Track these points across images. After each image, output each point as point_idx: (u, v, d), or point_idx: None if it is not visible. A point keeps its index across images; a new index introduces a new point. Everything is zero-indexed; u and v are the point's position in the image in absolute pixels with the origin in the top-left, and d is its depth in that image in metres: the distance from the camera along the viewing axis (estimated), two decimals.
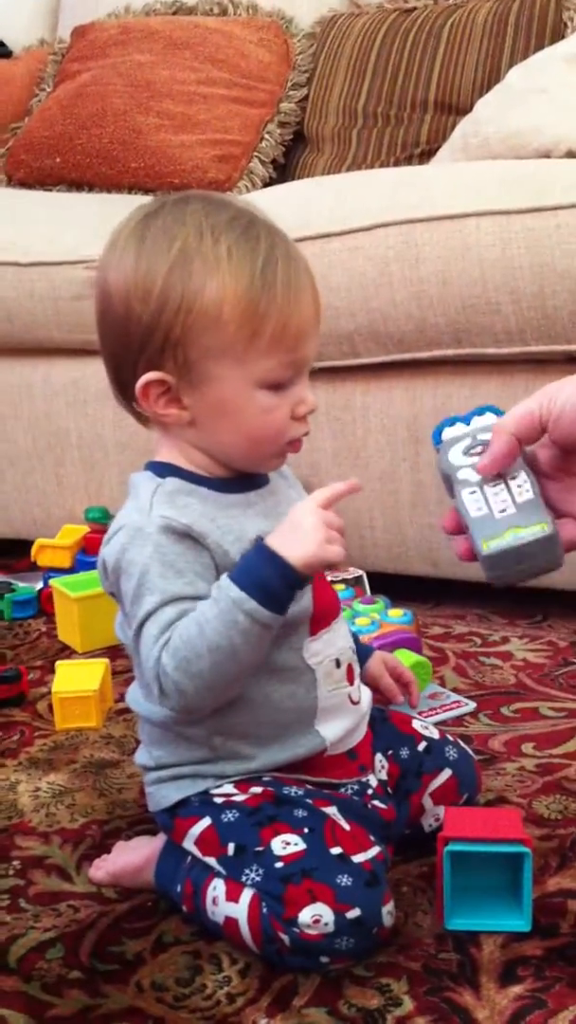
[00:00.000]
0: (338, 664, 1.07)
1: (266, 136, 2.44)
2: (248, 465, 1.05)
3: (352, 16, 2.51)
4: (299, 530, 0.96)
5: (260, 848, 0.99)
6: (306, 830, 0.99)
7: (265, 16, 2.61)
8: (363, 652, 1.20)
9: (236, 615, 0.94)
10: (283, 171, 2.48)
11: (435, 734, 1.17)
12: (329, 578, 1.36)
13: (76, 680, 1.49)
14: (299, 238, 1.61)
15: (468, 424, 1.03)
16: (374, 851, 0.99)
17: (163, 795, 1.06)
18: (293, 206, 1.76)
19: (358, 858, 0.97)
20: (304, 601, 1.04)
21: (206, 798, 1.04)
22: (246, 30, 2.56)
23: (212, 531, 0.99)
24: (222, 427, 1.01)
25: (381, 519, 1.82)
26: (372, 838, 1.01)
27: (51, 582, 1.82)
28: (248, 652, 0.96)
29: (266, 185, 2.36)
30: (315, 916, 0.94)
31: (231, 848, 1.00)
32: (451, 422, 1.04)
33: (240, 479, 1.05)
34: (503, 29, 2.26)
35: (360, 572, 1.76)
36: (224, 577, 0.97)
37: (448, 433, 1.03)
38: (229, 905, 0.99)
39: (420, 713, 1.38)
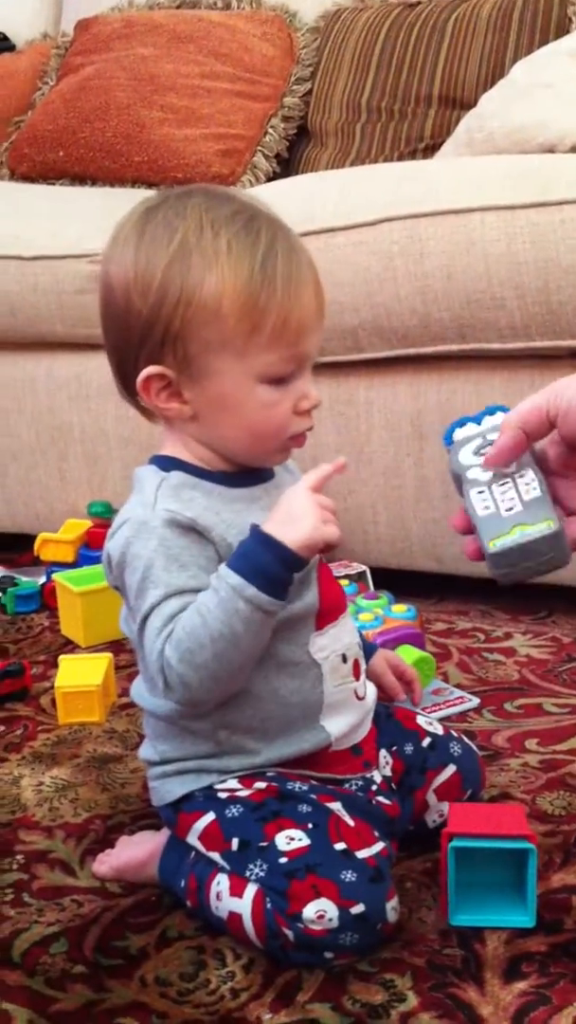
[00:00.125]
0: (344, 659, 1.07)
1: (270, 130, 2.44)
2: (251, 460, 1.05)
3: (356, 10, 2.51)
4: (293, 513, 0.97)
5: (264, 843, 0.98)
6: (310, 825, 0.99)
7: (269, 10, 2.61)
8: (366, 649, 1.20)
9: (237, 602, 0.94)
10: (287, 165, 2.47)
11: (439, 730, 1.17)
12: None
13: (79, 675, 1.49)
14: (303, 232, 1.60)
15: (479, 424, 1.03)
16: (378, 847, 0.99)
17: (167, 790, 1.06)
18: (297, 200, 1.76)
19: (362, 854, 0.97)
20: (310, 596, 1.04)
21: (210, 793, 1.04)
22: (250, 24, 2.56)
23: (216, 525, 0.99)
24: (223, 421, 1.01)
25: (385, 514, 1.82)
26: (376, 834, 1.01)
27: (54, 576, 1.82)
28: (250, 640, 0.96)
29: (270, 179, 2.36)
30: (319, 912, 0.94)
31: (235, 843, 1.00)
32: (462, 423, 1.04)
33: (245, 473, 1.05)
34: (507, 24, 2.26)
35: (364, 568, 1.77)
36: (223, 566, 0.97)
37: (459, 434, 1.03)
38: (233, 900, 0.99)
39: (423, 709, 1.37)
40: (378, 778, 1.10)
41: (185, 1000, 0.93)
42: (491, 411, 1.03)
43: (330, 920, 0.94)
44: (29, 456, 2.12)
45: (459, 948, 0.98)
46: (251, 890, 0.98)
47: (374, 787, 1.09)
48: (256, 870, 0.98)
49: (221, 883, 1.00)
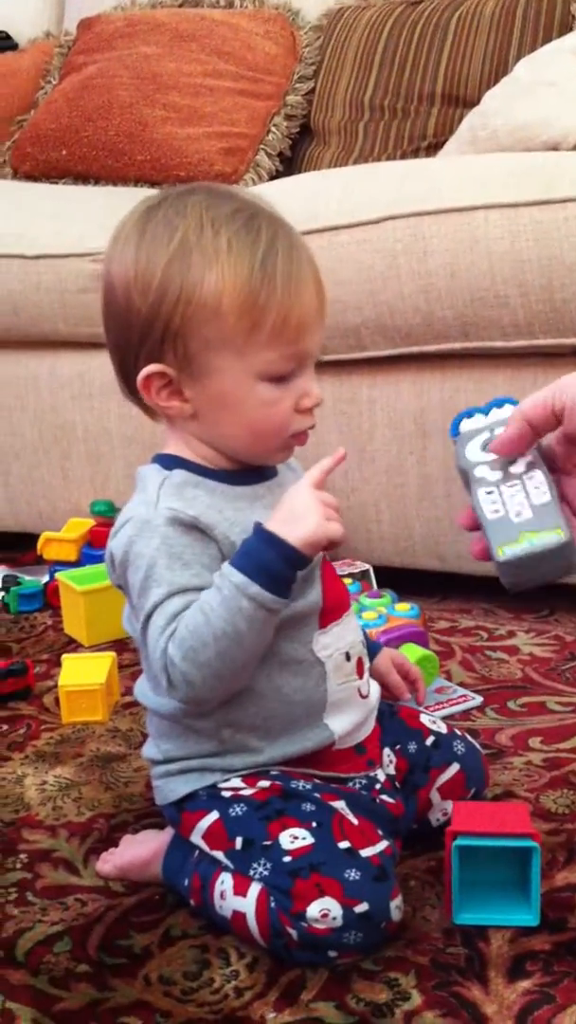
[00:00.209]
0: (348, 657, 1.07)
1: (272, 129, 2.43)
2: (252, 458, 1.05)
3: (359, 8, 2.51)
4: (296, 511, 0.97)
5: (268, 842, 0.98)
6: (314, 824, 0.99)
7: (271, 8, 2.61)
8: (370, 649, 1.20)
9: (240, 601, 0.94)
10: (289, 164, 2.47)
11: (443, 728, 1.17)
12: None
13: (82, 673, 1.49)
14: (306, 231, 1.60)
15: (487, 415, 1.02)
16: (382, 845, 0.99)
17: (171, 789, 1.06)
18: (300, 199, 1.75)
19: (366, 852, 0.97)
20: (313, 594, 1.04)
21: (214, 792, 1.04)
22: (252, 22, 2.56)
23: (219, 523, 0.99)
24: (224, 420, 1.01)
25: (388, 513, 1.82)
26: (380, 832, 1.01)
27: (57, 575, 1.82)
28: (254, 638, 0.96)
29: (272, 178, 2.36)
30: (323, 910, 0.93)
31: (239, 842, 1.00)
32: (469, 414, 1.03)
33: (248, 471, 1.05)
34: (511, 22, 2.26)
35: (367, 566, 1.76)
36: (226, 564, 0.97)
37: (466, 425, 1.02)
38: (237, 899, 0.99)
39: (427, 707, 1.37)
40: (382, 776, 1.10)
41: (189, 999, 0.93)
42: (498, 403, 1.02)
43: (334, 919, 0.93)
44: (32, 455, 2.12)
45: (463, 947, 0.98)
46: (255, 889, 0.98)
47: (378, 786, 1.09)
48: (260, 869, 0.98)
49: (225, 882, 1.00)
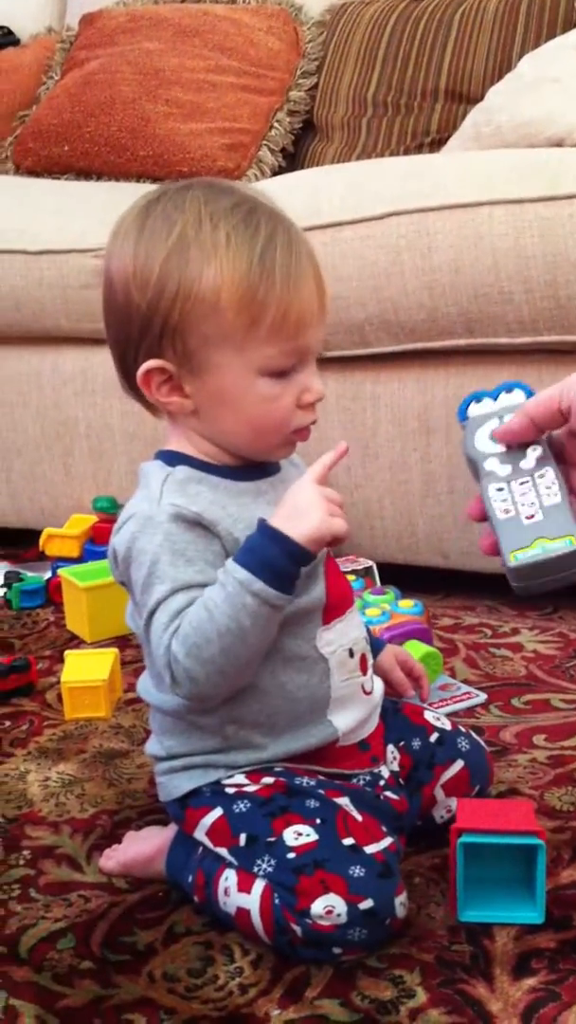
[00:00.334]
0: (351, 654, 1.07)
1: (275, 124, 2.43)
2: (254, 454, 1.04)
3: (362, 4, 2.50)
4: (299, 507, 0.96)
5: (272, 839, 0.98)
6: (318, 821, 0.98)
7: (275, 4, 2.60)
8: (374, 645, 1.20)
9: (244, 597, 0.94)
10: (292, 160, 2.47)
11: (447, 725, 1.17)
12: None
13: (85, 670, 1.48)
14: (310, 227, 1.61)
15: (495, 400, 1.02)
16: (386, 842, 0.99)
17: (174, 785, 1.06)
18: (303, 195, 1.75)
19: (371, 849, 0.97)
20: (317, 591, 1.04)
21: (218, 788, 1.04)
22: (255, 18, 2.55)
23: (223, 519, 0.99)
24: (224, 416, 1.01)
25: (391, 510, 1.82)
26: (384, 829, 1.01)
27: (59, 572, 1.81)
28: (257, 634, 0.96)
29: (275, 174, 2.35)
30: (328, 907, 0.93)
31: (243, 839, 1.00)
32: (477, 398, 1.03)
33: (250, 467, 1.05)
34: (514, 18, 2.25)
35: (370, 563, 1.76)
36: (229, 560, 0.96)
37: (474, 410, 1.02)
38: (241, 896, 0.98)
39: (431, 704, 1.37)
40: (386, 773, 1.10)
41: (193, 996, 0.93)
42: (507, 387, 1.02)
43: (338, 916, 0.93)
44: (34, 451, 2.12)
45: (468, 944, 0.97)
46: (259, 886, 0.98)
47: (382, 782, 1.09)
48: (264, 865, 0.98)
49: (229, 879, 1.00)
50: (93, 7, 2.75)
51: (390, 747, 1.12)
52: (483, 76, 2.25)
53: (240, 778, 1.04)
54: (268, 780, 1.03)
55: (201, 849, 1.04)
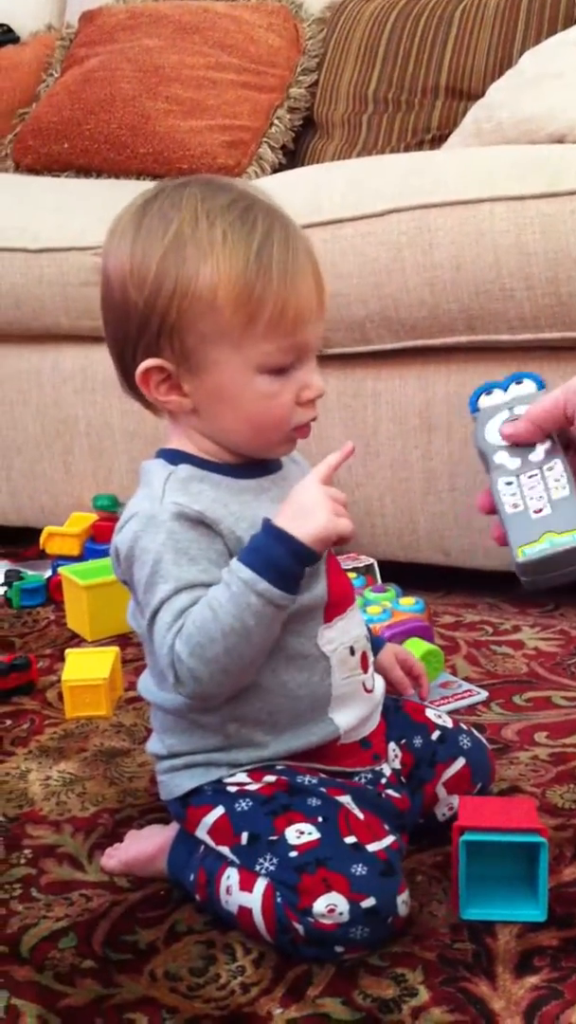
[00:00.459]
0: (352, 652, 1.06)
1: (276, 122, 2.42)
2: (254, 451, 1.04)
3: (363, 1, 2.50)
4: (305, 507, 0.96)
5: (274, 837, 0.98)
6: (320, 819, 0.98)
7: (275, 1, 2.60)
8: (374, 643, 1.19)
9: (249, 597, 0.94)
10: (292, 157, 2.47)
11: (448, 723, 1.16)
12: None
13: (86, 668, 1.48)
14: (310, 224, 1.61)
15: (506, 391, 1.03)
16: (389, 840, 0.99)
17: (176, 784, 1.06)
18: (304, 192, 1.75)
19: (373, 847, 0.97)
20: (319, 588, 1.03)
21: (219, 787, 1.03)
22: (256, 15, 2.55)
23: (225, 517, 0.99)
24: (223, 413, 1.00)
25: (392, 507, 1.81)
26: (386, 827, 1.00)
27: (60, 570, 1.81)
28: (261, 634, 0.96)
29: (275, 171, 2.34)
30: (330, 906, 0.93)
31: (245, 837, 1.00)
32: (488, 389, 1.04)
33: (252, 465, 1.04)
34: (515, 14, 2.24)
35: (371, 560, 1.76)
36: (234, 560, 0.96)
37: (485, 401, 1.03)
38: (243, 895, 0.98)
39: (432, 702, 1.37)
40: (387, 771, 1.09)
41: (195, 995, 0.93)
42: (517, 378, 1.03)
43: (340, 914, 0.93)
44: (34, 449, 2.12)
45: (470, 942, 0.97)
46: (261, 884, 0.97)
47: (383, 780, 1.08)
48: (266, 864, 0.97)
49: (231, 877, 1.00)
50: (93, 4, 2.75)
51: (391, 745, 1.12)
52: (484, 72, 2.24)
53: (242, 776, 1.03)
54: (270, 778, 1.03)
55: (203, 848, 1.04)
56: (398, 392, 1.78)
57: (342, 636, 1.06)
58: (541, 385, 1.04)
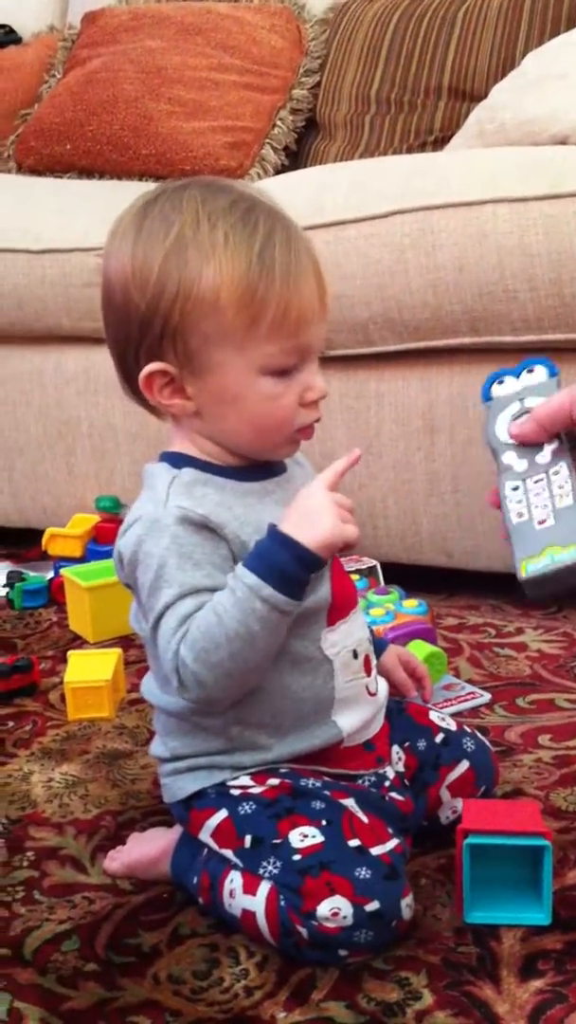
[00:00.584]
0: (355, 655, 1.06)
1: (278, 123, 2.42)
2: (258, 453, 1.04)
3: (365, 2, 2.50)
4: (311, 513, 0.96)
5: (277, 840, 0.98)
6: (324, 822, 0.98)
7: (277, 2, 2.60)
8: (377, 645, 1.19)
9: (254, 602, 0.94)
10: (295, 158, 2.46)
11: (452, 726, 1.16)
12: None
13: (88, 670, 1.48)
14: (313, 225, 1.61)
15: (518, 377, 1.03)
16: (392, 843, 0.98)
17: (179, 786, 1.05)
18: (307, 193, 1.75)
19: (376, 850, 0.97)
20: (322, 591, 1.03)
21: (223, 790, 1.03)
22: (258, 16, 2.55)
23: (230, 521, 0.99)
24: (227, 415, 1.00)
25: (395, 509, 1.81)
26: (390, 830, 1.00)
27: (62, 571, 1.81)
28: (266, 639, 0.96)
29: (278, 172, 2.35)
30: (333, 909, 0.93)
31: (248, 840, 1.00)
32: (500, 377, 1.04)
33: (256, 467, 1.04)
34: (518, 15, 2.25)
35: (374, 562, 1.76)
36: (239, 565, 0.96)
37: (497, 391, 1.03)
38: (246, 898, 0.98)
39: (435, 704, 1.37)
40: (391, 774, 1.09)
41: (198, 998, 0.92)
42: (530, 364, 1.03)
43: (344, 918, 0.93)
44: (37, 450, 2.11)
45: (474, 946, 0.97)
46: (264, 888, 0.97)
47: (387, 783, 1.08)
48: (269, 867, 0.97)
49: (234, 880, 1.00)
50: (95, 5, 2.75)
51: (395, 748, 1.12)
52: (487, 74, 2.24)
53: (245, 779, 1.03)
54: (273, 781, 1.02)
55: (206, 851, 1.04)
56: (401, 393, 1.78)
57: (345, 639, 1.05)
58: (553, 372, 1.04)
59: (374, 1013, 0.90)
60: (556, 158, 1.65)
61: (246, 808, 1.01)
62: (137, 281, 0.97)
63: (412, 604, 1.55)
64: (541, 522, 0.95)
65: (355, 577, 1.65)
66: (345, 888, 0.93)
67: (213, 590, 0.96)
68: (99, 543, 1.92)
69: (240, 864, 1.00)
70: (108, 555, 1.06)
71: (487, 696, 1.45)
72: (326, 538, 0.95)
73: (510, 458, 1.00)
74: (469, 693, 1.46)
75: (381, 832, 0.99)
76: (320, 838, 0.97)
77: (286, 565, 0.94)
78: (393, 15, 2.40)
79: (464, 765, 1.13)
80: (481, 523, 1.75)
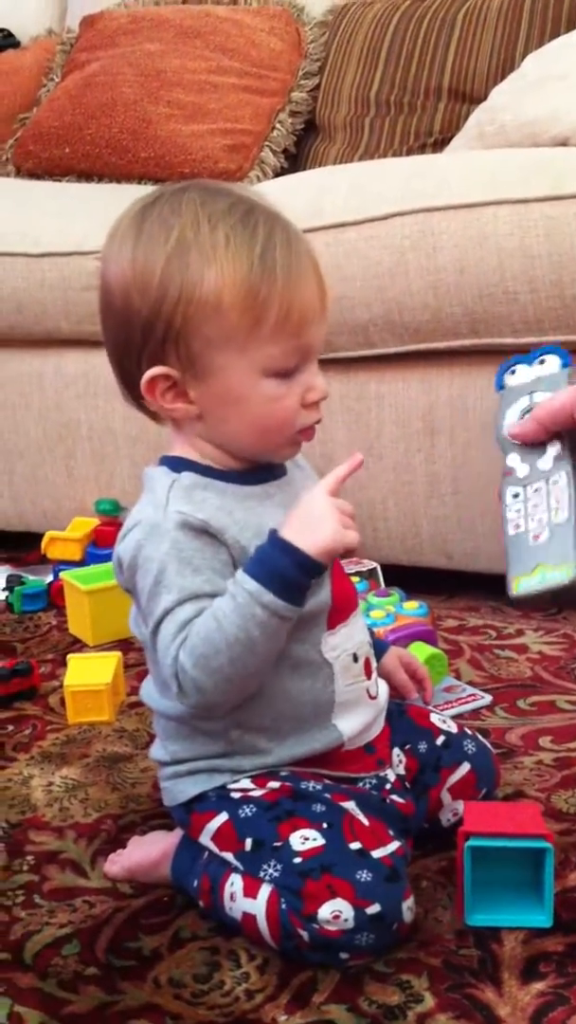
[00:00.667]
0: (355, 658, 1.06)
1: (277, 125, 2.42)
2: (260, 455, 1.03)
3: (364, 4, 2.50)
4: (312, 518, 0.96)
5: (278, 843, 0.97)
6: (325, 825, 0.98)
7: (276, 5, 2.59)
8: (378, 647, 1.19)
9: (254, 608, 0.93)
10: (295, 160, 2.46)
11: (453, 728, 1.16)
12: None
13: (88, 673, 1.47)
14: (313, 228, 1.61)
15: (531, 366, 1.04)
16: (394, 846, 0.98)
17: (179, 790, 1.05)
18: (307, 195, 1.75)
19: (377, 853, 0.96)
20: (323, 595, 1.03)
21: (223, 793, 1.03)
22: (257, 19, 2.55)
23: (230, 526, 0.98)
24: (230, 417, 1.00)
25: (395, 511, 1.81)
26: (391, 833, 1.00)
27: (62, 575, 1.80)
28: (266, 645, 0.95)
29: (277, 175, 2.34)
30: (335, 912, 0.93)
31: (249, 843, 0.99)
32: (513, 365, 1.05)
33: (256, 471, 1.04)
34: (518, 16, 2.24)
35: (374, 564, 1.75)
36: (240, 571, 0.96)
37: (511, 380, 1.04)
38: (247, 901, 0.98)
39: (436, 706, 1.36)
40: (392, 776, 1.09)
41: (199, 1001, 0.92)
42: (544, 352, 1.04)
43: (346, 920, 0.93)
44: (36, 454, 2.11)
45: (476, 948, 0.97)
46: (265, 890, 0.97)
47: (388, 785, 1.08)
48: (270, 870, 0.97)
49: (235, 883, 0.99)
50: (94, 9, 2.75)
51: (396, 750, 1.12)
52: (487, 75, 2.24)
53: (246, 782, 1.03)
54: (274, 784, 1.02)
55: (207, 854, 1.04)
56: (401, 395, 1.77)
57: (345, 643, 1.05)
58: (566, 362, 1.04)
59: (375, 1016, 0.89)
60: (557, 159, 1.65)
61: (247, 811, 1.01)
62: (138, 285, 0.97)
63: (413, 606, 1.55)
64: (536, 537, 0.95)
65: (355, 579, 1.65)
66: (346, 891, 0.93)
67: (213, 595, 0.96)
68: (99, 546, 1.92)
69: (241, 867, 1.00)
70: (108, 558, 1.05)
71: (488, 698, 1.45)
72: (327, 544, 0.95)
73: (514, 460, 1.00)
74: (470, 695, 1.45)
75: (382, 835, 0.98)
76: (321, 841, 0.96)
77: (287, 571, 0.94)
78: (393, 17, 2.40)
79: (465, 767, 1.12)
80: (481, 525, 1.74)
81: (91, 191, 2.37)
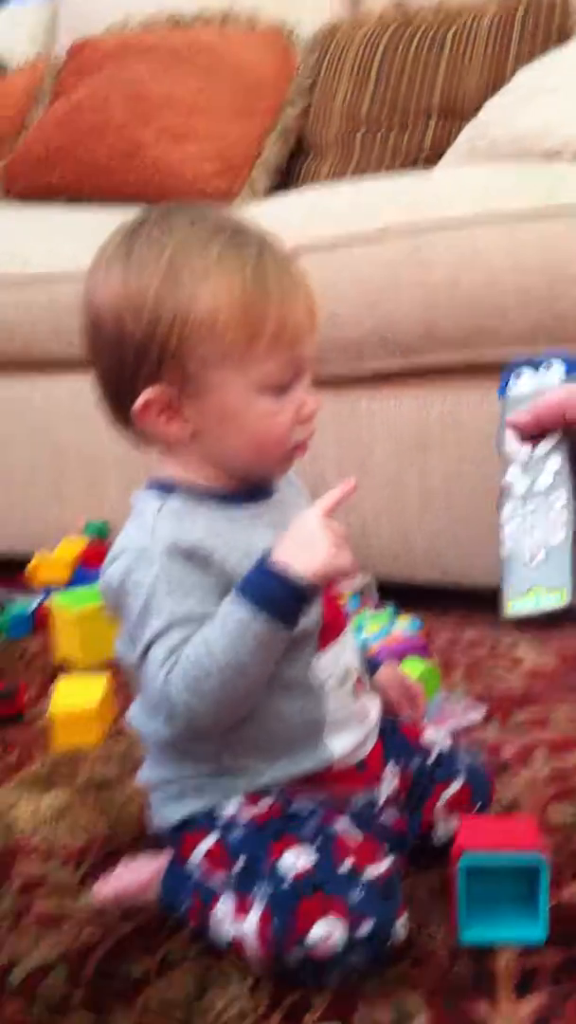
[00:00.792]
0: (346, 677, 1.05)
1: (268, 146, 2.42)
2: (256, 472, 1.03)
3: (354, 26, 2.50)
4: (306, 542, 0.95)
5: (269, 863, 0.96)
6: (316, 844, 0.96)
7: (266, 26, 2.60)
8: (370, 664, 1.18)
9: (245, 632, 0.93)
10: (286, 177, 2.46)
11: (446, 743, 1.15)
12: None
13: (76, 696, 1.46)
14: (305, 246, 1.60)
15: (536, 371, 1.04)
16: (386, 863, 0.97)
17: (169, 812, 1.04)
18: (299, 214, 1.76)
19: (370, 871, 0.95)
20: (313, 615, 1.02)
21: (213, 814, 1.02)
22: (247, 40, 2.55)
23: (219, 547, 0.97)
24: (226, 435, 0.99)
25: (388, 527, 1.80)
26: (384, 850, 0.98)
27: (52, 596, 1.79)
28: (257, 668, 0.95)
29: (268, 194, 2.34)
30: (327, 930, 0.91)
31: (240, 863, 0.98)
32: (519, 369, 1.04)
33: (246, 491, 1.03)
34: (508, 33, 2.25)
35: (369, 578, 1.74)
36: (231, 594, 0.95)
37: (514, 389, 1.03)
38: (238, 921, 0.96)
39: (429, 722, 1.35)
40: (384, 793, 1.08)
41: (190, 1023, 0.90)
42: (549, 358, 1.04)
43: (338, 939, 0.91)
44: (26, 476, 2.11)
45: (470, 964, 0.95)
46: (256, 910, 0.95)
47: (380, 802, 1.07)
48: (262, 890, 0.95)
49: (225, 904, 0.98)
50: (83, 34, 2.76)
51: (389, 767, 1.10)
52: (477, 93, 2.24)
53: (236, 803, 1.02)
54: (264, 804, 1.01)
55: (197, 875, 1.02)
56: (393, 411, 1.77)
57: (336, 662, 1.04)
58: (570, 368, 1.04)
59: None
60: (548, 174, 1.65)
61: (237, 831, 1.00)
62: (131, 309, 0.96)
63: (406, 621, 1.54)
64: (532, 557, 0.95)
65: (348, 594, 1.64)
66: (339, 909, 0.92)
67: (202, 619, 0.95)
68: (88, 567, 1.91)
69: (231, 887, 0.98)
70: (97, 579, 1.04)
71: (482, 712, 1.43)
72: (320, 568, 0.94)
73: (514, 474, 0.99)
74: (464, 709, 1.44)
75: (375, 852, 0.97)
76: (313, 859, 0.95)
77: (278, 594, 0.93)
78: (383, 36, 2.41)
79: (459, 782, 1.11)
80: (475, 539, 1.74)
81: (81, 215, 2.36)
